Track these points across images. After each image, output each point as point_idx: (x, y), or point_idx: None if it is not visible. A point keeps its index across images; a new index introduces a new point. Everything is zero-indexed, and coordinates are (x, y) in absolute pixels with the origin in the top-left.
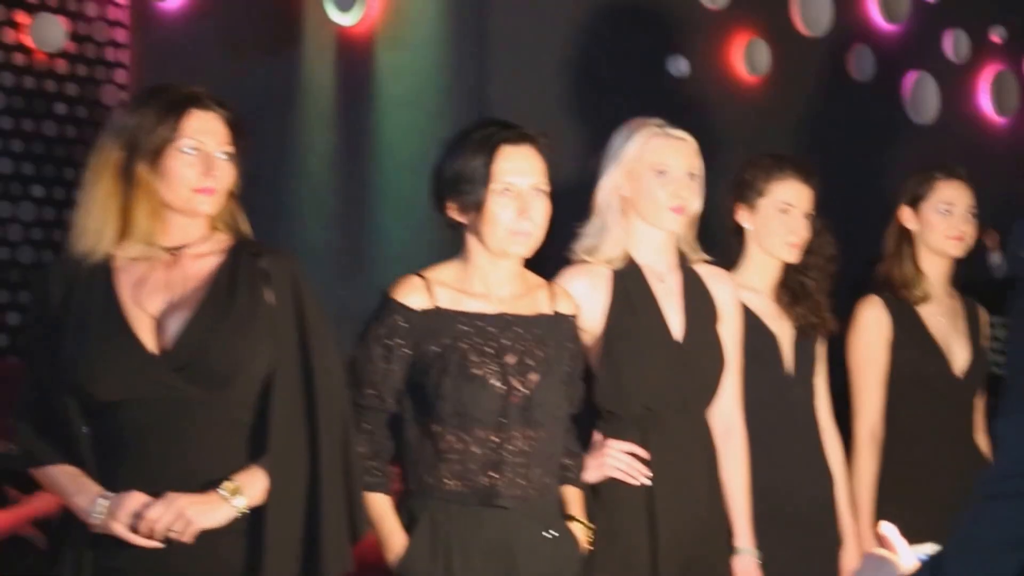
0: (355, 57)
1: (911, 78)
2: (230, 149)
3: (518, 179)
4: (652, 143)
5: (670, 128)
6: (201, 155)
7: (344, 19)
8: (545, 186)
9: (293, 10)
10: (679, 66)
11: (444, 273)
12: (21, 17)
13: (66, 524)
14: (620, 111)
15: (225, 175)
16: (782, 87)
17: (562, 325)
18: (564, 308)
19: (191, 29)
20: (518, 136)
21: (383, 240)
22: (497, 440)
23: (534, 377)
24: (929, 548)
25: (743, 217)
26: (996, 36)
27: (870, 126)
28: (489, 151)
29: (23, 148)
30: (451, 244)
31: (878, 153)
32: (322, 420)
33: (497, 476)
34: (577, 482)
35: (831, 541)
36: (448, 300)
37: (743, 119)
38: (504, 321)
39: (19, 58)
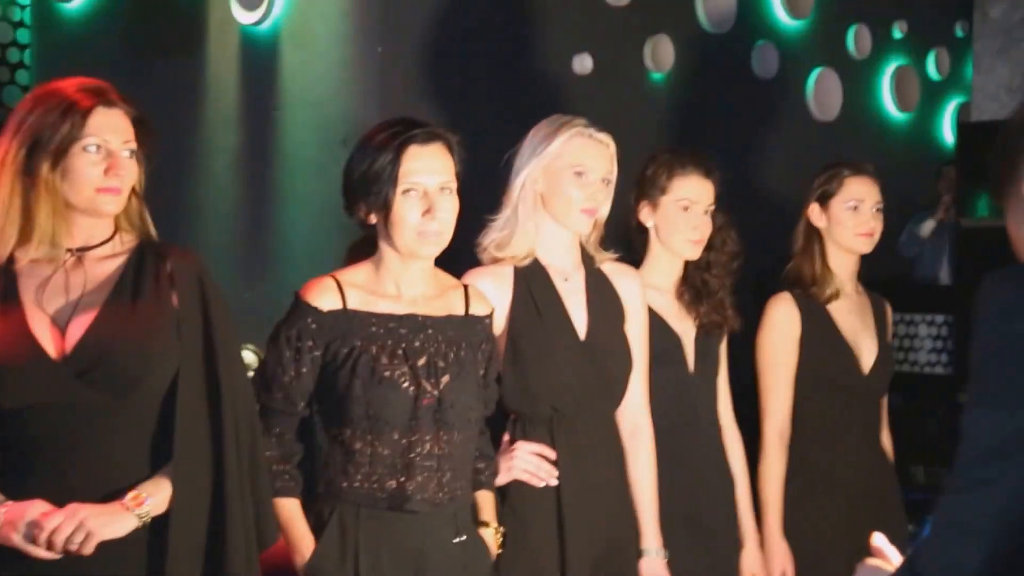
0: (259, 56)
1: (814, 75)
2: (134, 146)
3: (425, 178)
4: (574, 143)
5: (594, 130)
6: (105, 153)
7: (248, 18)
8: (453, 185)
9: (197, 10)
10: (583, 63)
11: (356, 274)
12: None
13: None
14: (524, 108)
15: (129, 173)
16: (685, 84)
17: (476, 327)
18: (478, 309)
19: (94, 29)
20: (426, 135)
21: (287, 241)
22: (407, 443)
23: (445, 379)
24: None
25: (645, 215)
26: (898, 31)
27: (773, 123)
28: (395, 151)
29: None
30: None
31: (781, 150)
32: (228, 426)
33: (407, 480)
34: (490, 486)
35: (732, 542)
36: (359, 301)
37: (646, 116)
38: (415, 322)
39: None
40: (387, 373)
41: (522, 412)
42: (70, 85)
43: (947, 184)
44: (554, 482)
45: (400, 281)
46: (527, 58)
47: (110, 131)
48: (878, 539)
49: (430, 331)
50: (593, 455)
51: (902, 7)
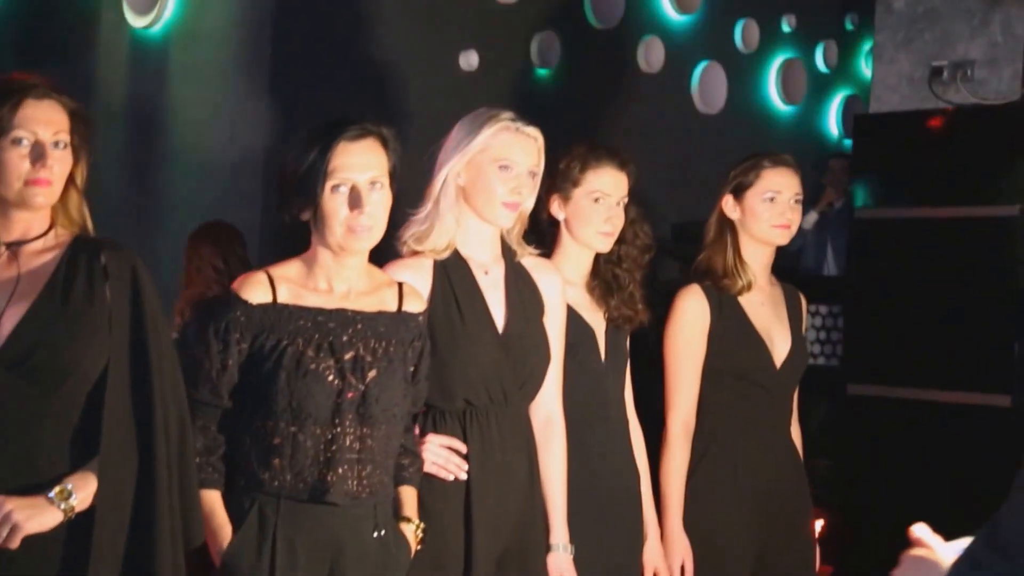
0: (151, 58)
1: (699, 68)
2: (67, 138)
3: (354, 174)
4: (501, 137)
5: (522, 124)
6: (34, 145)
7: (140, 21)
8: (385, 179)
9: (89, 13)
10: (469, 59)
11: (289, 269)
12: None
13: None
14: (411, 105)
15: (61, 166)
16: (572, 79)
17: (408, 323)
18: (412, 307)
19: None
20: (355, 131)
21: (176, 239)
22: (330, 436)
23: (372, 374)
24: (964, 541)
25: (556, 208)
26: (787, 25)
27: (658, 116)
28: (324, 148)
29: None
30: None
31: (666, 143)
32: (158, 422)
33: (328, 472)
34: (413, 482)
35: (636, 535)
36: (289, 295)
37: (533, 111)
38: (345, 317)
39: None
40: (312, 366)
41: (435, 405)
42: (2, 79)
43: (832, 176)
44: (463, 476)
45: (332, 276)
46: (413, 55)
47: (39, 123)
48: (919, 529)
49: (359, 326)
50: (504, 449)
51: (791, 1)
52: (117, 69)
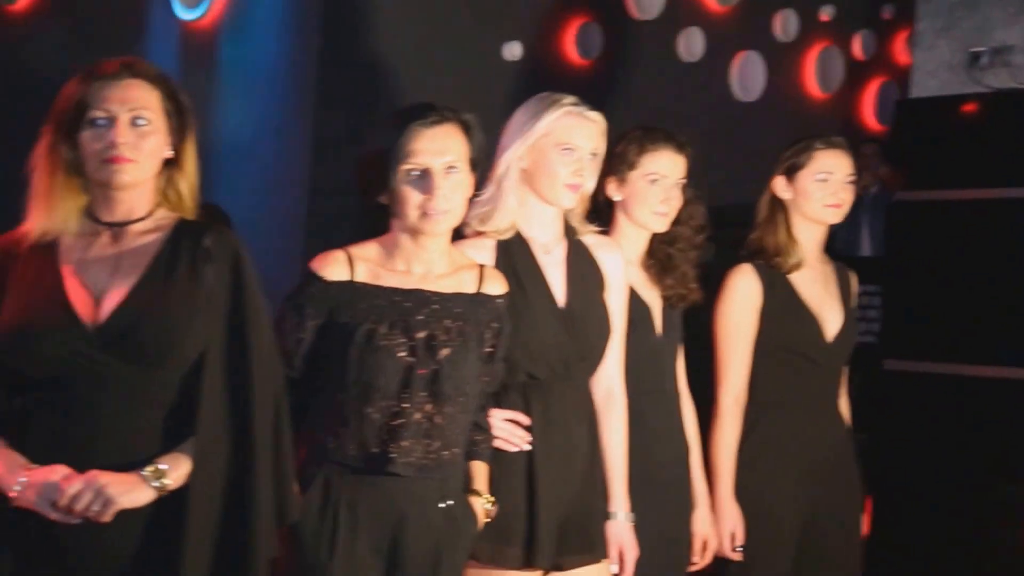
0: (199, 49)
1: (739, 58)
2: (149, 116)
3: (427, 159)
4: (563, 121)
5: (585, 108)
6: (112, 124)
7: (189, 15)
8: (462, 164)
9: (139, 7)
10: (513, 51)
11: (368, 250)
12: None
13: None
14: (456, 95)
15: (144, 143)
16: (613, 69)
17: (486, 305)
18: (491, 289)
19: (39, 29)
20: (433, 117)
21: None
22: (397, 410)
23: (445, 352)
24: None
25: (612, 190)
26: (825, 15)
27: (697, 104)
28: (400, 132)
29: None
30: (292, 224)
31: (704, 130)
32: (256, 404)
33: (391, 444)
34: (484, 457)
35: (687, 505)
36: (366, 274)
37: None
38: (421, 297)
39: None
40: (383, 342)
41: (494, 383)
42: (94, 64)
43: (864, 162)
44: (527, 447)
45: (410, 258)
46: (459, 46)
47: (114, 101)
48: None
49: (435, 306)
50: (565, 421)
51: None
52: (166, 60)
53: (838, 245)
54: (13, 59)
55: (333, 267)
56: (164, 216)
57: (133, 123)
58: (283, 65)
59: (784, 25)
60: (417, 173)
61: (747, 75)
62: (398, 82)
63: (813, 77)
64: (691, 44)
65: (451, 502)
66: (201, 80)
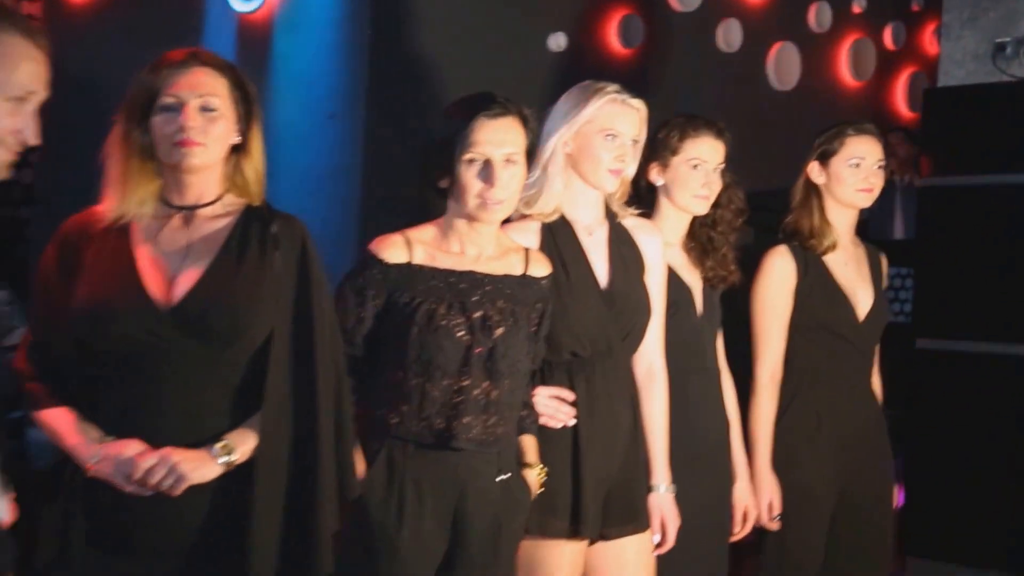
0: (254, 41)
1: (775, 48)
2: (217, 103)
3: (490, 149)
4: (607, 108)
5: (627, 96)
6: (182, 108)
7: (245, 7)
8: (520, 156)
9: (195, 0)
10: (558, 41)
11: (424, 232)
12: None
13: (59, 467)
14: (503, 84)
15: (212, 128)
16: (654, 59)
17: (532, 286)
18: (536, 271)
19: (99, 21)
20: (497, 109)
21: (278, 203)
22: (457, 387)
23: (499, 331)
24: None
25: (655, 175)
26: (857, 7)
27: (735, 94)
28: (465, 122)
29: None
30: (346, 209)
31: (742, 118)
32: (320, 384)
33: (455, 420)
34: (532, 431)
35: (727, 477)
36: (423, 257)
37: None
38: (475, 279)
39: None
40: (443, 322)
41: (543, 358)
42: (163, 54)
43: (890, 150)
44: (571, 423)
45: (465, 241)
46: (505, 37)
47: (184, 87)
48: None
49: (488, 288)
50: (608, 397)
51: None
52: (222, 52)
53: (873, 229)
54: (77, 51)
55: (392, 250)
56: (232, 202)
57: (202, 109)
58: (335, 56)
59: (818, 17)
60: (479, 163)
61: (783, 65)
62: (445, 72)
63: (846, 67)
64: (729, 35)
65: (508, 475)
66: (257, 71)
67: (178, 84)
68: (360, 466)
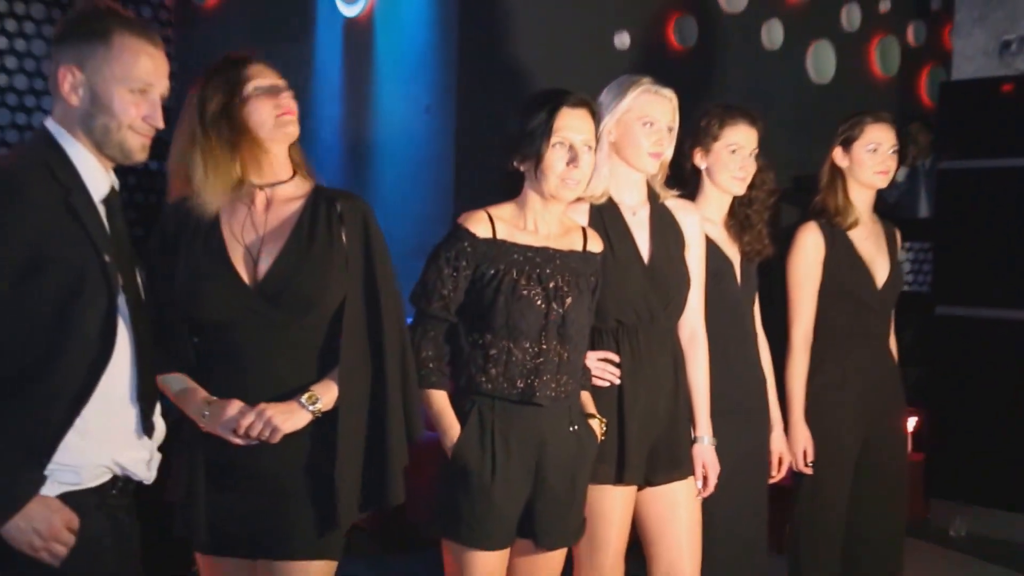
0: (359, 41)
1: (812, 46)
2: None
3: (572, 135)
4: (643, 98)
5: (660, 86)
6: (270, 88)
7: (350, 10)
8: (593, 143)
9: (308, 4)
10: (623, 40)
11: (503, 211)
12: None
13: (181, 421)
14: (574, 79)
15: (295, 105)
16: (707, 55)
17: (590, 261)
18: (593, 248)
19: (223, 24)
20: (575, 100)
21: (381, 188)
22: (537, 350)
23: (569, 300)
24: None
25: (699, 159)
26: (883, 8)
27: (778, 86)
28: (551, 111)
29: None
30: (442, 192)
31: (784, 108)
32: (387, 341)
33: (535, 380)
34: (588, 387)
35: (765, 428)
36: (505, 232)
37: (675, 82)
38: (548, 254)
39: None
40: (525, 292)
41: (592, 325)
42: (219, 59)
43: (912, 138)
44: (617, 382)
45: (538, 219)
46: (576, 37)
47: (266, 74)
48: None
49: (558, 262)
50: (652, 360)
51: None
52: (331, 50)
53: (901, 209)
54: (203, 48)
55: (479, 224)
56: (301, 184)
57: (287, 89)
58: (429, 54)
59: (849, 17)
60: (564, 146)
61: (820, 61)
62: (525, 68)
63: (875, 62)
64: (772, 34)
65: (577, 426)
66: (361, 68)
67: (262, 73)
68: (452, 418)
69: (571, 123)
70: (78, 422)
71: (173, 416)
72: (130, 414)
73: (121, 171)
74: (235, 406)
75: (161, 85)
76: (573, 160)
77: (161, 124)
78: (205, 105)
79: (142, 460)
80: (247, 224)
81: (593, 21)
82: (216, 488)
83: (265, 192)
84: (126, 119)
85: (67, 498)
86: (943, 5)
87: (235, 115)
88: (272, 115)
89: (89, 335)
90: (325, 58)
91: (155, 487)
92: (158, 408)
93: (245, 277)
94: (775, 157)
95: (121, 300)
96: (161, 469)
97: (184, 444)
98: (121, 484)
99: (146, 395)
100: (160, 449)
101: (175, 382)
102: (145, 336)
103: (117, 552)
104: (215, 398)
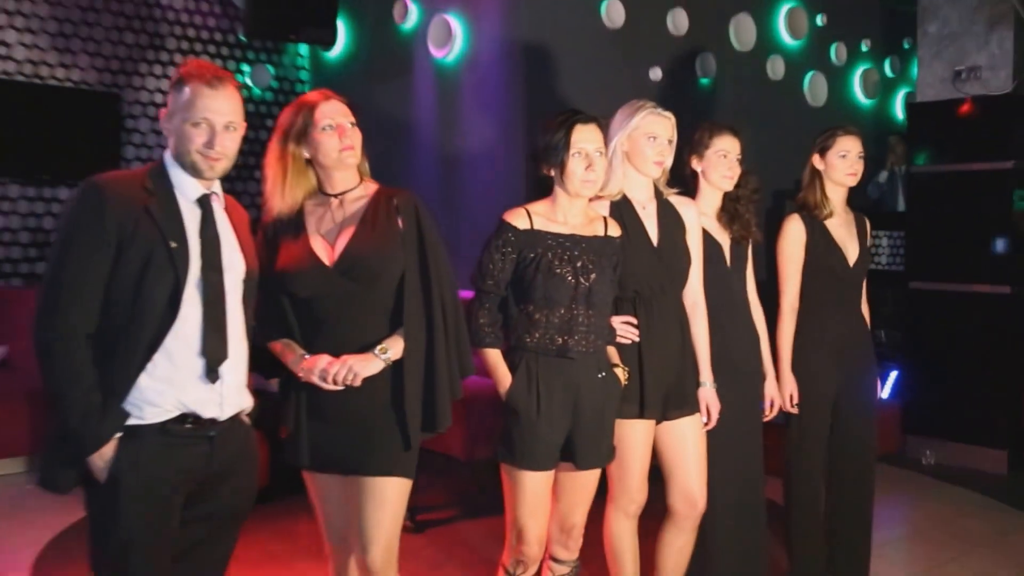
0: (448, 80)
1: (808, 76)
2: (353, 120)
3: (587, 145)
4: (648, 118)
5: (661, 109)
6: (337, 127)
7: (440, 53)
8: (603, 150)
9: (406, 50)
10: (655, 74)
11: (539, 207)
12: (244, 65)
13: (288, 377)
14: (617, 105)
15: (358, 139)
16: (723, 85)
17: (611, 243)
18: (612, 233)
19: (346, 69)
20: (585, 118)
21: (467, 195)
22: (569, 316)
23: (593, 276)
24: None
25: (695, 163)
26: (865, 45)
27: (781, 110)
28: (567, 128)
29: (249, 148)
30: (510, 197)
31: (787, 127)
32: (436, 306)
33: (569, 338)
34: (613, 343)
35: (758, 377)
36: (540, 224)
37: (699, 107)
38: (575, 239)
39: (243, 93)
40: (558, 270)
41: (616, 295)
42: (304, 95)
43: (891, 147)
44: (636, 339)
45: (566, 212)
46: (617, 73)
47: (339, 114)
48: None
49: (584, 245)
50: (663, 322)
51: (867, 28)
52: (426, 88)
53: (882, 203)
54: (332, 89)
55: (519, 218)
56: (366, 187)
57: (351, 125)
58: (503, 88)
59: (838, 53)
60: (582, 155)
61: (814, 88)
62: (578, 97)
63: (859, 89)
64: (775, 67)
65: (604, 374)
66: (450, 103)
67: (329, 113)
68: (505, 370)
69: (584, 136)
70: (148, 366)
71: (284, 373)
72: (197, 364)
73: None
74: (324, 358)
75: (220, 118)
76: (589, 166)
77: (219, 149)
78: (287, 135)
79: (210, 401)
80: (324, 220)
81: (632, 59)
82: (315, 422)
83: (337, 198)
84: (192, 147)
85: (128, 429)
86: (912, 43)
87: (309, 145)
88: (336, 149)
89: (158, 302)
90: (422, 93)
91: (273, 429)
92: (228, 363)
93: (325, 260)
94: (779, 166)
95: (194, 276)
96: (275, 413)
97: (289, 392)
98: (191, 420)
99: (213, 351)
100: (273, 401)
101: (280, 345)
102: (216, 307)
103: (181, 476)
104: (307, 354)
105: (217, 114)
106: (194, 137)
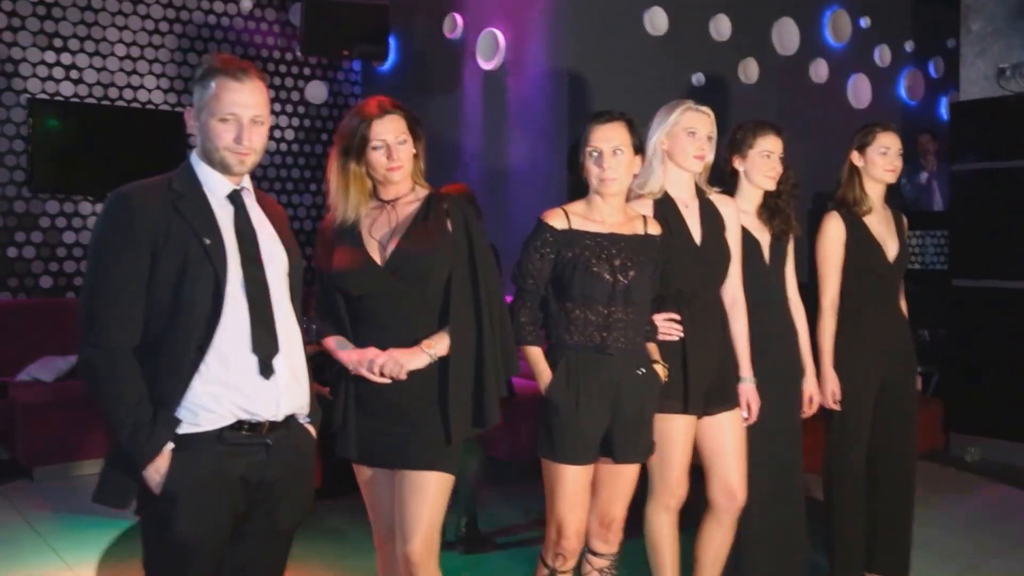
0: (495, 87)
1: (852, 79)
2: (407, 137)
3: (602, 144)
4: (687, 115)
5: (700, 106)
6: (385, 147)
7: (488, 65)
8: (625, 148)
9: (455, 62)
10: (699, 78)
11: (576, 206)
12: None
13: (339, 369)
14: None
15: (406, 156)
16: (766, 89)
17: (650, 242)
18: (652, 231)
19: (396, 81)
20: (606, 117)
21: (511, 199)
22: (607, 312)
23: (632, 274)
24: None
25: (737, 162)
26: (908, 47)
27: (825, 112)
28: (587, 129)
29: (306, 162)
30: (552, 200)
31: (830, 129)
32: (484, 304)
33: (607, 335)
34: (653, 340)
35: (798, 374)
36: (578, 223)
37: (741, 111)
38: (613, 238)
39: (300, 108)
40: (595, 268)
41: (658, 292)
42: (364, 104)
43: (924, 147)
44: (680, 336)
45: (603, 211)
46: (663, 77)
47: (388, 132)
48: None
49: (622, 244)
50: (705, 319)
51: (912, 30)
52: (474, 97)
53: (919, 202)
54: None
55: (556, 219)
56: (419, 192)
57: (400, 143)
58: (547, 96)
59: (882, 55)
60: (596, 154)
61: (858, 91)
62: (622, 102)
63: (904, 90)
64: (819, 70)
65: (644, 370)
66: (497, 107)
67: (380, 132)
68: (545, 366)
69: (601, 135)
70: (201, 367)
71: (335, 368)
72: (250, 362)
73: None
74: (372, 351)
75: (247, 112)
76: (599, 164)
77: (248, 144)
78: (347, 152)
79: (266, 399)
80: (378, 223)
81: (675, 65)
82: (363, 416)
83: (390, 203)
84: (220, 143)
85: (183, 438)
86: (956, 43)
87: (362, 160)
88: (384, 167)
89: (201, 301)
90: (470, 101)
91: (324, 423)
92: (280, 357)
93: (378, 260)
94: (823, 170)
95: (235, 272)
96: (325, 409)
97: (340, 385)
98: (248, 427)
99: (263, 346)
100: (325, 397)
101: (334, 341)
102: (261, 300)
103: (237, 486)
104: (357, 348)
105: (244, 108)
106: (222, 134)
